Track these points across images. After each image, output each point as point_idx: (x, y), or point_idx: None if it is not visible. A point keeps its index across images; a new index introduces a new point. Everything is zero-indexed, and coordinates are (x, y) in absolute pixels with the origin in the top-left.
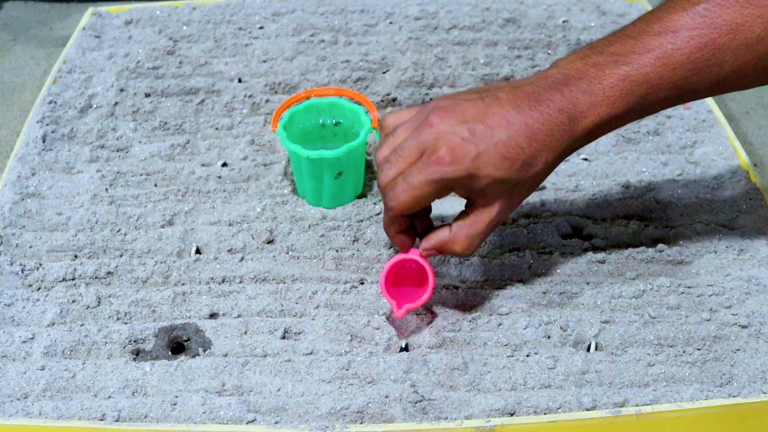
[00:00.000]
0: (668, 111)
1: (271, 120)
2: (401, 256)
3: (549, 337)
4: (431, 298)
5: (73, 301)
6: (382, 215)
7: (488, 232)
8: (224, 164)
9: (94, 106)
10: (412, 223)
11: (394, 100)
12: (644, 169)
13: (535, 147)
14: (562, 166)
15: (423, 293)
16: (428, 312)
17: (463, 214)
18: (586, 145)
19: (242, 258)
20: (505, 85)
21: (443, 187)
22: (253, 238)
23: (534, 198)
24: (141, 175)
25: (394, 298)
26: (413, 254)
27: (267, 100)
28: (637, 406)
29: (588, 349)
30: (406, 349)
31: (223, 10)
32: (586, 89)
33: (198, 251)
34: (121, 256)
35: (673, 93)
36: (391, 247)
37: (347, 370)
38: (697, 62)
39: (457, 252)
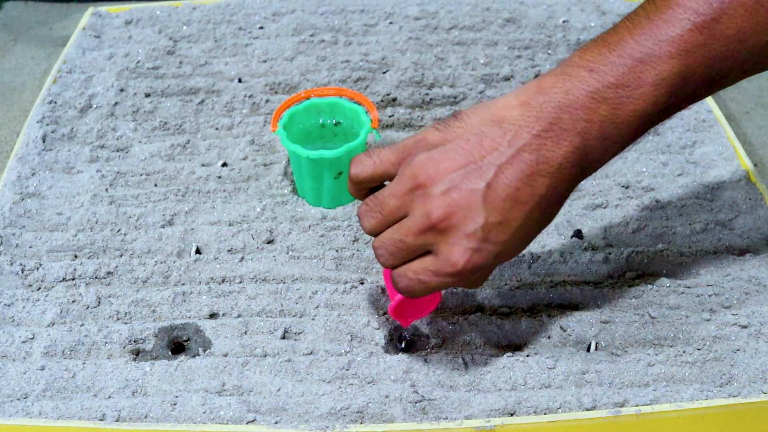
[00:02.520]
0: None
1: (271, 120)
2: None
3: (549, 337)
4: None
5: (73, 301)
6: None
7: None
8: (224, 164)
9: (94, 106)
10: None
11: (394, 100)
12: (644, 169)
13: (549, 212)
14: None
15: (430, 306)
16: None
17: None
18: None
19: (242, 258)
20: (500, 140)
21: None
22: (253, 238)
23: None
24: (141, 175)
25: (402, 317)
26: None
27: (267, 100)
28: (637, 406)
29: (588, 349)
30: (406, 349)
31: (223, 10)
32: (599, 134)
33: (198, 251)
34: (121, 256)
35: (680, 108)
36: None
37: (347, 370)
38: (708, 79)
39: (472, 288)
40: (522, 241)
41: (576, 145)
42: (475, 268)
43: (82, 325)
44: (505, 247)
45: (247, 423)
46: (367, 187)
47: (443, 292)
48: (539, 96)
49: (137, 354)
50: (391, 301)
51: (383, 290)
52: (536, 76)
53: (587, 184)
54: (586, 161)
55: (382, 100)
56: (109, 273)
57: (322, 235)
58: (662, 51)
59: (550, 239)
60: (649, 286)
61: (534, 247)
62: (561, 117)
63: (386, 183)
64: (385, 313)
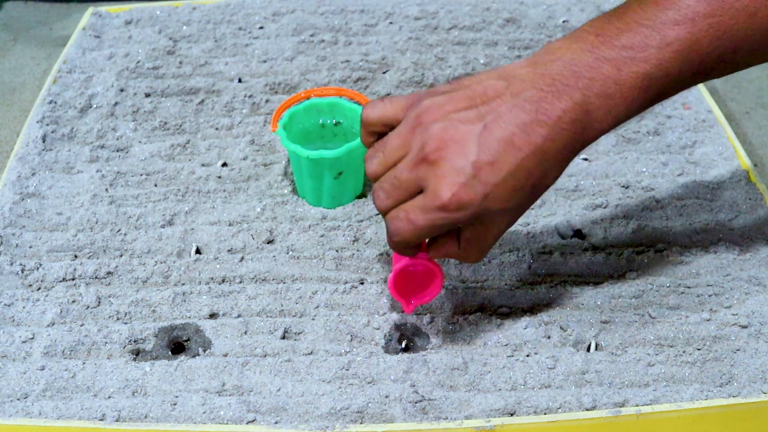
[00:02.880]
0: (668, 111)
1: (271, 120)
2: (409, 259)
3: (549, 337)
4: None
5: (73, 301)
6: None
7: (496, 241)
8: (224, 164)
9: (94, 106)
10: None
11: None
12: (644, 169)
13: (546, 167)
14: None
15: (431, 289)
16: (428, 312)
17: (470, 227)
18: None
19: (242, 258)
20: (503, 90)
21: (449, 227)
22: (253, 238)
23: None
24: (141, 175)
25: (402, 296)
26: (421, 257)
27: (267, 100)
28: (637, 406)
29: (588, 349)
30: (406, 349)
31: (223, 10)
32: (601, 91)
33: (198, 251)
34: (121, 256)
35: (689, 82)
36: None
37: (347, 370)
38: (717, 51)
39: (469, 262)
40: (514, 191)
41: (576, 100)
42: (462, 205)
43: (82, 325)
44: (496, 191)
45: (247, 423)
46: (377, 132)
47: (443, 292)
48: (546, 56)
49: (137, 354)
50: (393, 294)
51: (383, 291)
52: None
53: (587, 184)
54: (587, 120)
55: None
56: (109, 273)
57: (322, 235)
58: (667, 18)
59: (550, 239)
60: (649, 286)
61: (534, 247)
62: (564, 74)
63: None
64: (385, 313)
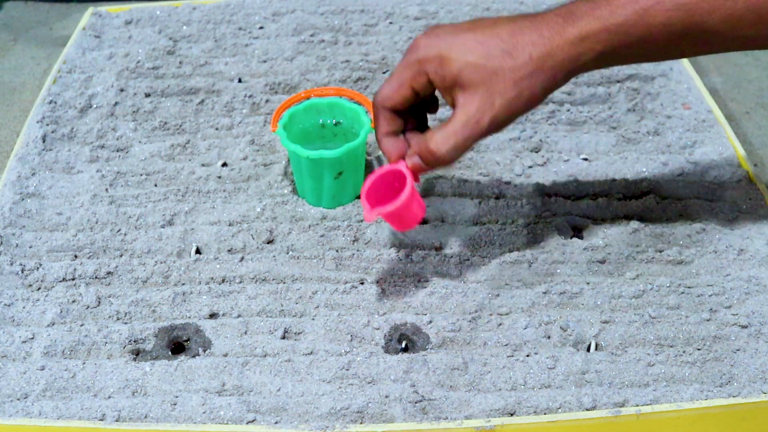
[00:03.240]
0: (668, 111)
1: (271, 120)
2: (388, 166)
3: (549, 337)
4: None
5: (73, 301)
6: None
7: (468, 133)
8: (224, 164)
9: (94, 106)
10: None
11: None
12: (644, 169)
13: (519, 39)
14: (562, 166)
15: (398, 198)
16: (428, 312)
17: (448, 98)
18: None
19: (242, 258)
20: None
21: (417, 71)
22: (253, 238)
23: (534, 198)
24: (141, 175)
25: (373, 205)
26: (400, 165)
27: (267, 100)
28: (637, 406)
29: (588, 349)
30: (406, 349)
31: (223, 10)
32: (590, 2)
33: (198, 251)
34: (121, 256)
35: (674, 17)
36: (391, 247)
37: (347, 370)
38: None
39: (433, 150)
40: (477, 44)
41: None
42: (429, 42)
43: (82, 325)
44: (461, 40)
45: (247, 423)
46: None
47: (443, 292)
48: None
49: (137, 354)
50: (363, 201)
51: (383, 291)
52: None
53: (587, 184)
54: (570, 15)
55: None
56: (109, 273)
57: (322, 235)
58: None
59: (550, 239)
60: (649, 286)
61: (534, 247)
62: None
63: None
64: (385, 313)
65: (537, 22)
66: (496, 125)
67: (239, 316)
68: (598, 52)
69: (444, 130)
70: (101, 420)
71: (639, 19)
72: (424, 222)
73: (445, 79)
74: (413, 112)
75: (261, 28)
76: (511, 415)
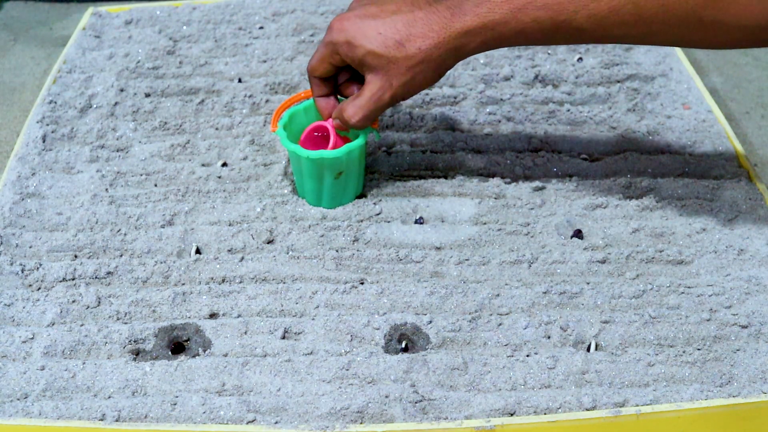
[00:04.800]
0: (668, 111)
1: (271, 120)
2: (319, 122)
3: (549, 337)
4: None
5: (73, 301)
6: (382, 214)
7: (372, 106)
8: (224, 164)
9: (94, 106)
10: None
11: None
12: (644, 169)
13: (412, 31)
14: (562, 166)
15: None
16: (428, 312)
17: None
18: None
19: (242, 258)
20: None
21: (333, 51)
22: (253, 238)
23: (534, 198)
24: (141, 175)
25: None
26: (328, 123)
27: (267, 100)
28: (637, 406)
29: (588, 349)
30: (406, 349)
31: (223, 10)
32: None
33: (198, 251)
34: (121, 256)
35: (543, 15)
36: (391, 247)
37: (347, 370)
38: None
39: (345, 118)
40: (377, 35)
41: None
42: (341, 28)
43: (82, 325)
44: (365, 30)
45: (247, 423)
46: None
47: (443, 291)
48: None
49: (137, 354)
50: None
51: (383, 291)
52: (536, 76)
53: (587, 184)
54: (457, 11)
55: None
56: (109, 273)
57: (322, 235)
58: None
59: (550, 239)
60: (649, 286)
61: (534, 247)
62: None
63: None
64: (385, 313)
65: (429, 14)
66: (396, 100)
67: (239, 316)
68: (479, 42)
69: (354, 103)
70: (101, 420)
71: (513, 17)
72: (425, 222)
73: (354, 60)
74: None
75: (261, 28)
76: (511, 415)
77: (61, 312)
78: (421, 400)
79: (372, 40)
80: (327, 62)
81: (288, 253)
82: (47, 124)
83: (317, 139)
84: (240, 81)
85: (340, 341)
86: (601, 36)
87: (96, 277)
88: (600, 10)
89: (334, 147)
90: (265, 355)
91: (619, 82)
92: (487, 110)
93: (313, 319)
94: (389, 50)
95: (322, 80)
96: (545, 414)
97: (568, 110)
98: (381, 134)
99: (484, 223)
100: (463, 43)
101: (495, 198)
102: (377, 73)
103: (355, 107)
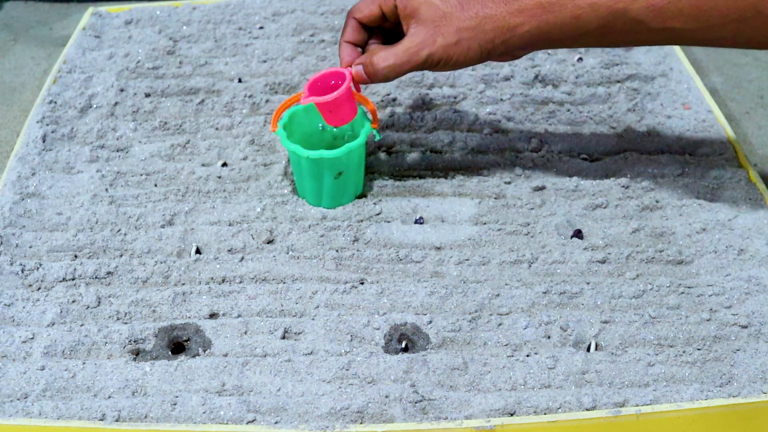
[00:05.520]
0: (668, 111)
1: (271, 120)
2: (337, 68)
3: (549, 337)
4: None
5: (73, 301)
6: (382, 214)
7: (406, 57)
8: (224, 164)
9: (94, 106)
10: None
11: (394, 100)
12: (644, 169)
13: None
14: (562, 166)
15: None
16: (428, 312)
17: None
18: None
19: (242, 258)
20: None
21: None
22: (253, 238)
23: (534, 198)
24: (141, 175)
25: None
26: (346, 70)
27: (267, 100)
28: (637, 406)
29: (588, 349)
30: (406, 349)
31: (223, 10)
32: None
33: (198, 251)
34: (121, 256)
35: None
36: (391, 247)
37: (347, 370)
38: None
39: (375, 64)
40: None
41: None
42: None
43: (82, 325)
44: None
45: (247, 423)
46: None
47: (443, 291)
48: None
49: (137, 354)
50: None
51: (383, 291)
52: (536, 76)
53: (587, 184)
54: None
55: (382, 100)
56: (109, 273)
57: (322, 235)
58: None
59: (550, 239)
60: (649, 286)
61: (534, 247)
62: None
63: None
64: (385, 313)
65: None
66: (431, 62)
67: (239, 316)
68: (534, 26)
69: (387, 50)
70: (101, 420)
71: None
72: (424, 222)
73: (406, 8)
74: (383, 34)
75: (261, 28)
76: (511, 415)
77: (61, 312)
78: (421, 400)
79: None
80: (377, 6)
81: (288, 253)
82: (47, 124)
83: (328, 87)
84: (240, 81)
85: (340, 341)
86: (659, 30)
87: (96, 277)
88: None
89: (343, 96)
90: (265, 355)
91: (619, 82)
92: (487, 110)
93: (313, 319)
94: (448, 6)
95: (360, 25)
96: (545, 414)
97: (568, 110)
98: (381, 134)
99: (484, 223)
100: (517, 23)
101: (495, 198)
102: (425, 25)
103: (387, 54)
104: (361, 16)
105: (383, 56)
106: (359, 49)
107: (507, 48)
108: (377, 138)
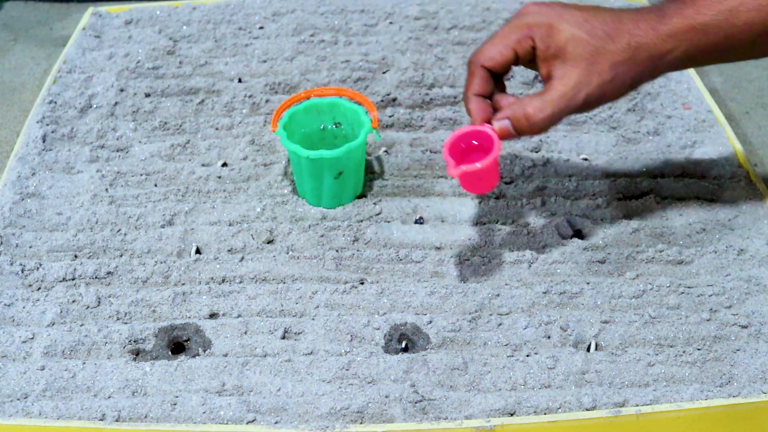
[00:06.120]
0: (668, 111)
1: (271, 120)
2: (472, 126)
3: (549, 337)
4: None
5: (73, 301)
6: (382, 214)
7: (563, 104)
8: (224, 164)
9: (94, 106)
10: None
11: (394, 100)
12: (644, 169)
13: (620, 26)
14: (562, 166)
15: (485, 156)
16: (428, 312)
17: (544, 66)
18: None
19: (242, 258)
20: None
21: (526, 35)
22: (253, 238)
23: (534, 198)
24: (141, 175)
25: (457, 162)
26: (485, 127)
27: (267, 100)
28: (637, 406)
29: (588, 349)
30: (406, 349)
31: (223, 10)
32: (678, 2)
33: (198, 251)
34: (121, 256)
35: (757, 17)
36: (391, 247)
37: (347, 370)
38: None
39: (531, 118)
40: (583, 22)
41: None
42: (541, 10)
43: (82, 325)
44: (569, 15)
45: (247, 423)
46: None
47: (443, 291)
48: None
49: (137, 354)
50: (445, 155)
51: (383, 291)
52: (536, 76)
53: (587, 184)
54: (662, 13)
55: (382, 100)
56: (109, 273)
57: (322, 235)
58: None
59: (550, 239)
60: (649, 286)
61: (534, 247)
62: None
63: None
64: (385, 313)
65: (635, 15)
66: (587, 104)
67: (239, 316)
68: (683, 50)
69: (542, 98)
70: (101, 420)
71: (723, 19)
72: (425, 222)
73: (549, 48)
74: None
75: (261, 28)
76: (511, 415)
77: (61, 312)
78: (421, 400)
79: (578, 26)
80: (511, 49)
81: (288, 253)
82: (47, 124)
83: (470, 149)
84: (240, 81)
85: (340, 341)
86: None
87: (96, 277)
88: None
89: (495, 160)
90: (265, 355)
91: None
92: None
93: (313, 319)
94: (597, 39)
95: (489, 74)
96: (545, 414)
97: None
98: (381, 134)
99: (484, 223)
100: (668, 49)
101: (495, 198)
102: (576, 64)
103: (542, 103)
104: (492, 64)
105: (538, 107)
106: (488, 100)
107: (653, 76)
108: (377, 138)
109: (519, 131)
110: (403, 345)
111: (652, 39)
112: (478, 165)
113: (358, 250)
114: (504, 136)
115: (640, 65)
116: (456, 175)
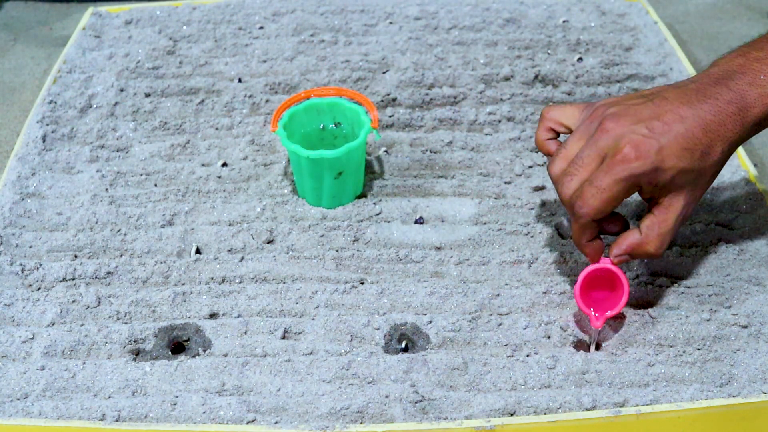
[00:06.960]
0: None
1: (271, 120)
2: (594, 266)
3: (549, 337)
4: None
5: (73, 301)
6: (382, 214)
7: (677, 227)
8: (224, 164)
9: (94, 106)
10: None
11: (394, 100)
12: None
13: (711, 137)
14: None
15: (617, 299)
16: (428, 312)
17: (649, 215)
18: None
19: (242, 258)
20: (668, 86)
21: (632, 185)
22: (253, 238)
23: (534, 198)
24: (141, 175)
25: (587, 306)
26: (604, 263)
27: (267, 100)
28: (637, 406)
29: (588, 349)
30: (406, 349)
31: (223, 10)
32: (752, 81)
33: (198, 251)
34: (121, 256)
35: None
36: (391, 247)
37: (347, 370)
38: None
39: (651, 252)
40: (685, 150)
41: (730, 86)
42: (639, 154)
43: (82, 325)
44: (668, 146)
45: (247, 423)
46: (552, 128)
47: (443, 292)
48: (705, 70)
49: (137, 354)
50: (581, 307)
51: (383, 291)
52: (536, 76)
53: None
54: (742, 102)
55: (382, 100)
56: (109, 273)
57: (322, 235)
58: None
59: (550, 239)
60: (649, 286)
61: (534, 247)
62: (718, 72)
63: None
64: (385, 313)
65: (718, 115)
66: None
67: (239, 316)
68: (760, 129)
69: (658, 229)
70: (101, 420)
71: None
72: (425, 222)
73: (656, 186)
74: None
75: (261, 28)
76: (511, 415)
77: (61, 312)
78: (421, 400)
79: (682, 158)
80: (619, 200)
81: (288, 253)
82: (47, 124)
83: (591, 288)
84: (240, 81)
85: (340, 341)
86: None
87: (96, 277)
88: None
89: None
90: (265, 355)
91: (619, 82)
92: (487, 110)
93: (313, 319)
94: (697, 163)
95: (595, 221)
96: (545, 414)
97: None
98: (381, 134)
99: (484, 223)
100: (750, 135)
101: (495, 198)
102: (682, 190)
103: (661, 236)
104: (603, 216)
105: (659, 242)
106: (600, 239)
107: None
108: (377, 138)
109: (642, 257)
110: (403, 345)
111: (740, 134)
112: (617, 310)
113: (358, 250)
114: (621, 262)
115: (728, 158)
116: (602, 326)
